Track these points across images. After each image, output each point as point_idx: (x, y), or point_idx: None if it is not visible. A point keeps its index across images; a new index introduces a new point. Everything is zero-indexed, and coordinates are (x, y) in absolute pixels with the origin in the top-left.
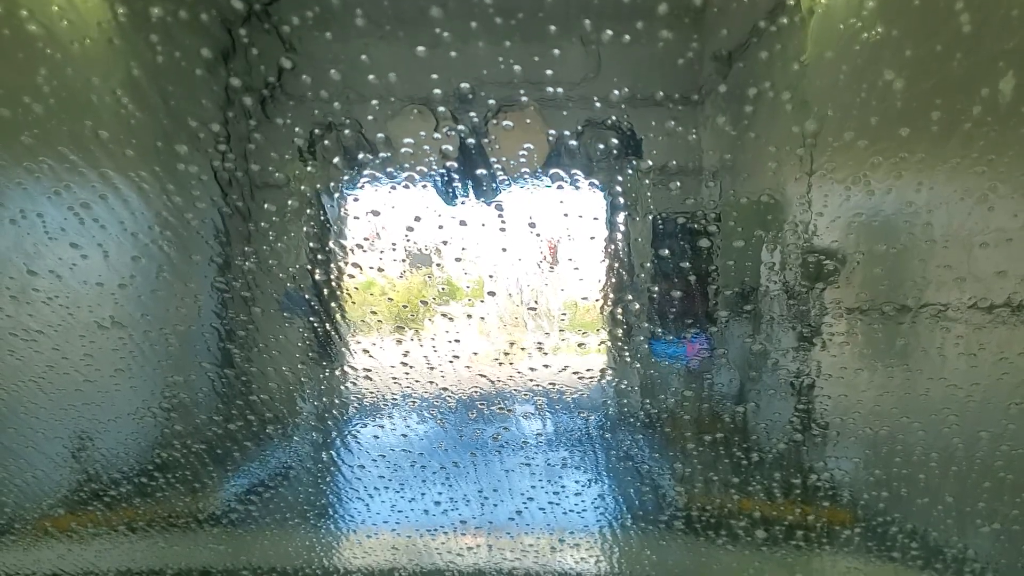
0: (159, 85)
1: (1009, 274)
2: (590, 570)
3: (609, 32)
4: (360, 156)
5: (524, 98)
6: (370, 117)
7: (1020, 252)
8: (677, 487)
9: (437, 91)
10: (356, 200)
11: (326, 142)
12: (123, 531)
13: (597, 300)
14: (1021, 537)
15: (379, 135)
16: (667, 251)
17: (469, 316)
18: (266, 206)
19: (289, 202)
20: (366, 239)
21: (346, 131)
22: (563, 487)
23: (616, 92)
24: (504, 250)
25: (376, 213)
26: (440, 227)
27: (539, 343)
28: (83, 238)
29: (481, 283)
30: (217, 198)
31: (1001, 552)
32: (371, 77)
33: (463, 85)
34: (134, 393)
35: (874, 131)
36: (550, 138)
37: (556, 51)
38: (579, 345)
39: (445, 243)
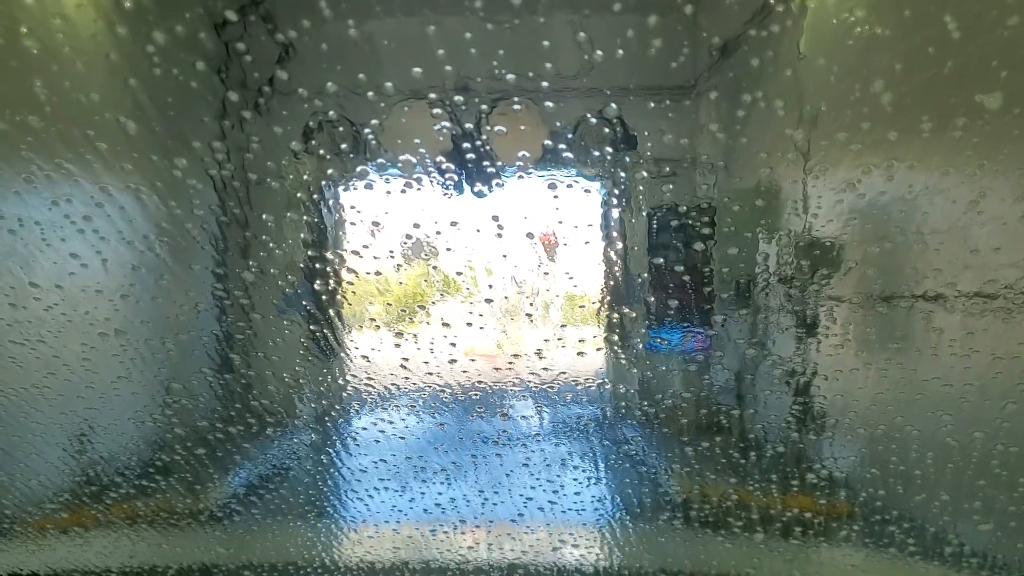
0: (155, 91)
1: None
2: (596, 564)
3: (603, 26)
4: (357, 154)
5: (519, 94)
6: (367, 115)
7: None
8: (689, 482)
9: (432, 86)
10: (354, 198)
11: (322, 140)
12: (125, 530)
13: (599, 294)
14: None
15: (375, 132)
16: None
17: (470, 316)
18: (265, 206)
19: (287, 201)
20: (365, 246)
21: (343, 129)
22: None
23: (611, 86)
24: (503, 254)
25: (374, 211)
26: (439, 223)
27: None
28: (83, 244)
29: (477, 279)
30: (215, 205)
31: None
32: (366, 74)
33: (458, 80)
34: (135, 396)
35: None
36: (546, 132)
37: (552, 46)
38: (580, 341)
39: (448, 247)
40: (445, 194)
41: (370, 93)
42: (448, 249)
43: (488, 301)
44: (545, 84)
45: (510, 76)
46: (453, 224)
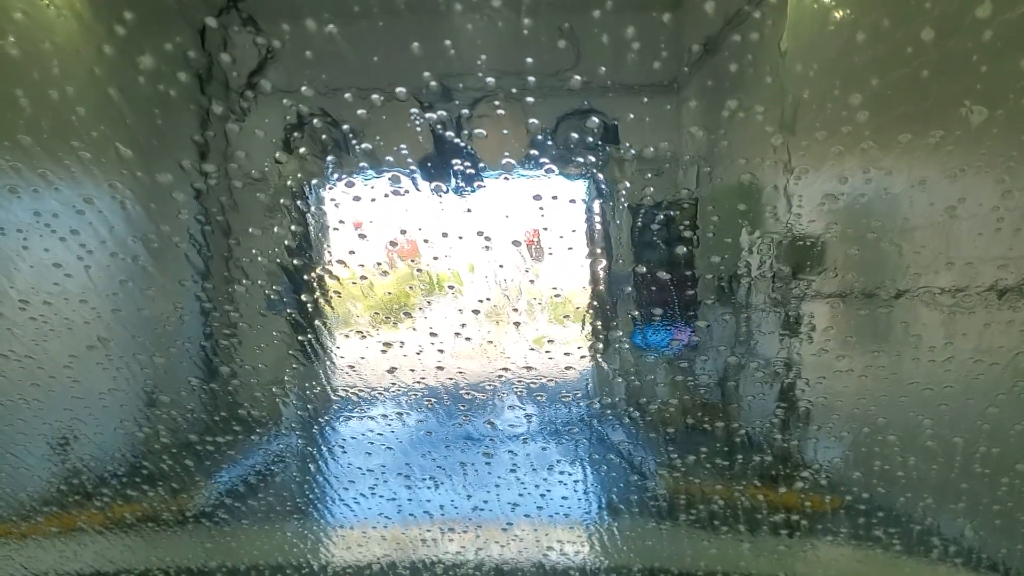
0: (139, 100)
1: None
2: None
3: (587, 22)
4: (342, 153)
5: (503, 91)
6: (350, 113)
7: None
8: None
9: (416, 84)
10: (339, 198)
11: (305, 141)
12: (110, 536)
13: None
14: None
15: (359, 131)
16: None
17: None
18: (251, 206)
19: (274, 202)
20: (359, 231)
21: (325, 129)
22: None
23: (595, 82)
24: (487, 246)
25: (358, 210)
26: (425, 220)
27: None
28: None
29: (460, 279)
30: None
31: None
32: (349, 73)
33: (442, 78)
34: (121, 405)
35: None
36: (530, 130)
37: (537, 42)
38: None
39: (426, 241)
40: (430, 192)
41: (354, 92)
42: (426, 240)
43: (478, 309)
44: (529, 80)
45: (493, 72)
46: (446, 217)
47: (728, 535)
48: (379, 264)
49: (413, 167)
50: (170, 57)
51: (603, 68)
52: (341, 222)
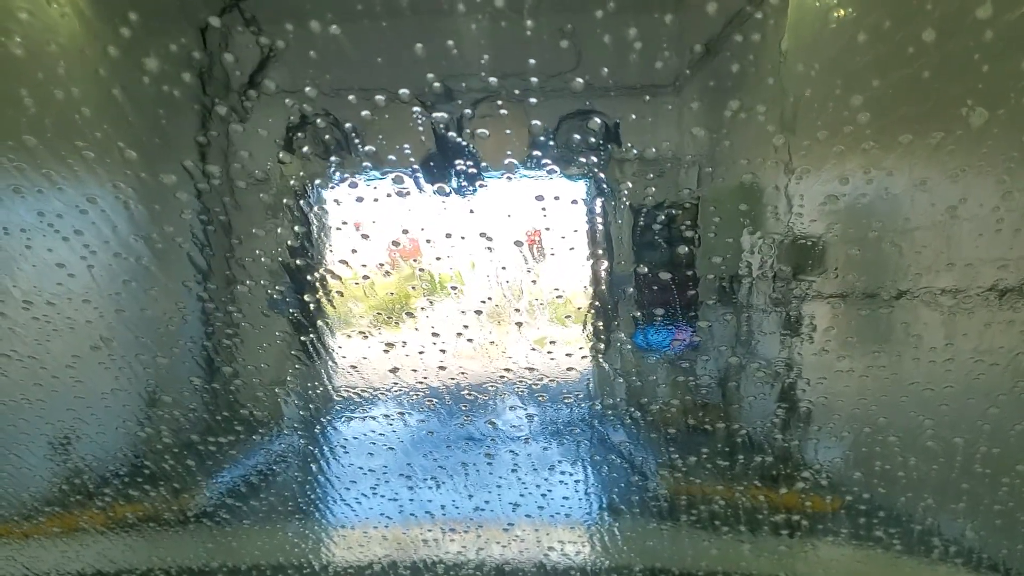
0: (142, 100)
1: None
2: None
3: (589, 23)
4: (344, 153)
5: (505, 91)
6: (353, 114)
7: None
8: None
9: (418, 85)
10: (341, 198)
11: (308, 141)
12: (113, 533)
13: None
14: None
15: (362, 131)
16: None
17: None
18: (254, 206)
19: (277, 202)
20: (361, 231)
21: (328, 130)
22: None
23: (597, 82)
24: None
25: (359, 209)
26: (427, 221)
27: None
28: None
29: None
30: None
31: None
32: (352, 73)
33: (445, 78)
34: (125, 405)
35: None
36: (532, 130)
37: (539, 43)
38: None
39: (428, 241)
40: (430, 193)
41: (355, 93)
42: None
43: (480, 309)
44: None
45: (494, 74)
46: (446, 218)
47: (729, 535)
48: (381, 264)
49: (416, 167)
50: (174, 58)
51: (605, 69)
52: (344, 222)
